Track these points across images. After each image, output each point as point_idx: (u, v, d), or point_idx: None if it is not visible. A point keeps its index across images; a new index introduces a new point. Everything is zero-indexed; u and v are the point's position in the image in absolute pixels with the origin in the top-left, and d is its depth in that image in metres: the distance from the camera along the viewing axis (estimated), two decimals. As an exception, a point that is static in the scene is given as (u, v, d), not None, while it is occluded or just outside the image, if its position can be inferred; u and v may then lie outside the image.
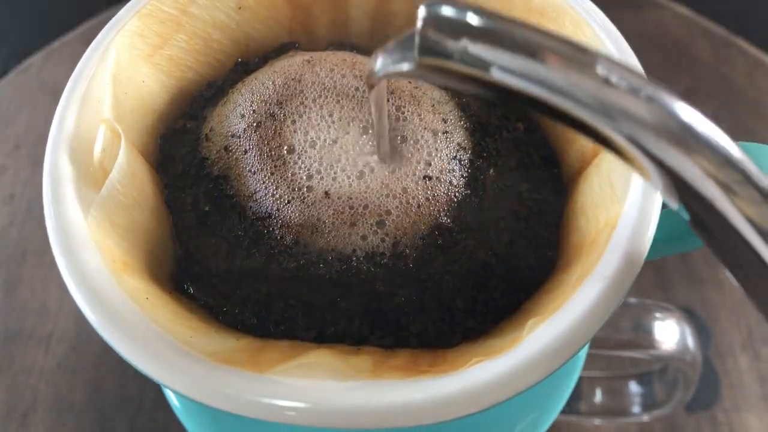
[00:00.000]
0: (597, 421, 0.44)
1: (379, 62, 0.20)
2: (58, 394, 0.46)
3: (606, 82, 0.16)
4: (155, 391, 0.46)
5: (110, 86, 0.26)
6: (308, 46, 0.31)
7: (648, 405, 0.43)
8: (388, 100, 0.27)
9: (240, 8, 0.29)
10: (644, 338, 0.37)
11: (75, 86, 0.26)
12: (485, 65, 0.17)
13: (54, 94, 0.58)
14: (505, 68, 0.17)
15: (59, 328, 0.48)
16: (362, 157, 0.26)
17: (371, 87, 0.23)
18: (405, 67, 0.19)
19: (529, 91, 0.17)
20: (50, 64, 0.61)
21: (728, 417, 0.44)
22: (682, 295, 0.49)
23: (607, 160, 0.24)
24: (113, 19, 0.27)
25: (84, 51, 0.27)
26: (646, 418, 0.43)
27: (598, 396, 0.44)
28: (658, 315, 0.38)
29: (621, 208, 0.23)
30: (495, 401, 0.20)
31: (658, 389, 0.43)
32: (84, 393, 0.46)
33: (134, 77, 0.27)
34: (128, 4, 0.27)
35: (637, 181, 0.23)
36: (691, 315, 0.48)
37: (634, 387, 0.44)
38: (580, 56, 0.16)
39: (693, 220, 0.18)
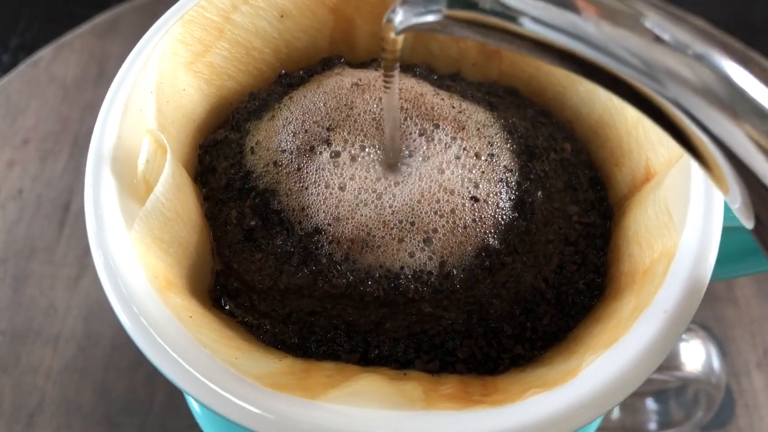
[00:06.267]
0: (612, 438, 0.43)
1: (401, 14, 0.19)
2: (65, 395, 0.45)
3: (647, 35, 0.14)
4: (165, 395, 0.45)
5: (154, 95, 0.25)
6: (349, 57, 0.30)
7: (665, 423, 0.43)
8: (430, 128, 0.26)
9: (282, 17, 0.29)
10: (670, 360, 0.37)
11: (116, 94, 0.25)
12: (515, 16, 0.15)
13: (64, 89, 0.57)
14: (538, 19, 0.15)
15: (67, 328, 0.47)
16: (412, 179, 0.25)
17: (388, 52, 0.21)
18: (430, 18, 0.17)
19: (561, 44, 0.15)
20: (61, 57, 0.59)
21: (743, 436, 0.44)
22: (696, 313, 0.49)
23: (663, 187, 0.24)
24: (156, 24, 0.26)
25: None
26: (663, 436, 0.43)
27: (615, 412, 0.44)
28: (683, 336, 0.37)
29: (679, 237, 0.22)
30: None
31: (675, 407, 0.43)
32: (92, 395, 0.45)
33: (175, 85, 0.26)
34: (172, 9, 0.27)
35: (696, 209, 0.23)
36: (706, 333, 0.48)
37: (650, 404, 0.44)
38: (620, 7, 0.15)
39: (756, 223, 0.16)
